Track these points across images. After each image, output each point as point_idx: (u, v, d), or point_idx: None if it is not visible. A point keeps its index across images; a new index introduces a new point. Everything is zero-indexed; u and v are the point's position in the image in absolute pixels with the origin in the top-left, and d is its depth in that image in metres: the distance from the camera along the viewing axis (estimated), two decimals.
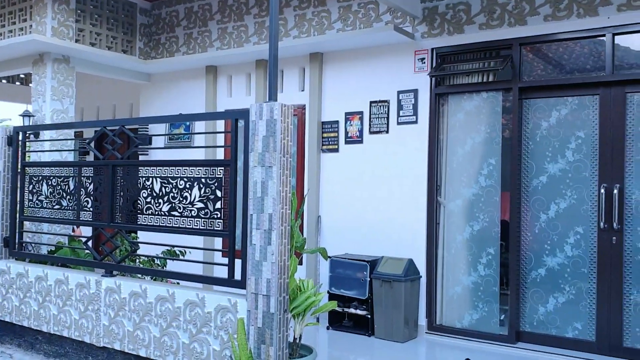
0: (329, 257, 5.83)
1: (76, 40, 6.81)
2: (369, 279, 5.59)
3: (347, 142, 6.26)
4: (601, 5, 4.89)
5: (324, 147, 6.39)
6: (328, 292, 5.84)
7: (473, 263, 5.54)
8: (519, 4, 5.24)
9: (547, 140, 5.25)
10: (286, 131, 4.02)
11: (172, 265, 5.66)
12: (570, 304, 5.10)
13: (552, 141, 5.22)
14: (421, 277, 5.65)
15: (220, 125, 6.94)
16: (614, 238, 4.84)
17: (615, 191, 4.83)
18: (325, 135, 6.39)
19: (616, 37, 4.90)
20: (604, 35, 4.93)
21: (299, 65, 6.57)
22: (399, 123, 5.92)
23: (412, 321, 5.54)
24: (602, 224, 4.89)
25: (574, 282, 5.08)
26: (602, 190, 4.90)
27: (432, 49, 5.75)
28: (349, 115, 6.24)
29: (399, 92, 5.90)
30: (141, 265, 5.76)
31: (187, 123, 7.41)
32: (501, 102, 5.45)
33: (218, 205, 4.29)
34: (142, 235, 5.99)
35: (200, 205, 4.38)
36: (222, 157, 6.49)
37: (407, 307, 5.45)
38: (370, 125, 6.10)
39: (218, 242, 6.63)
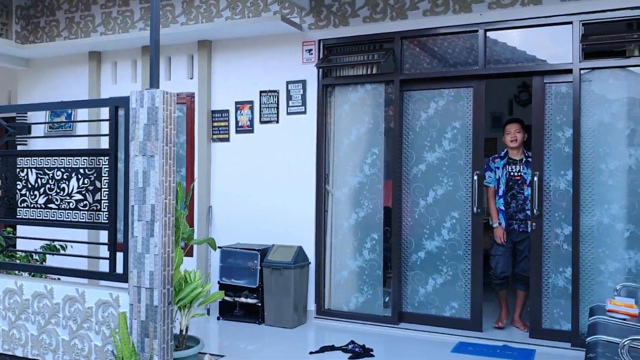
0: (219, 247, 5.82)
1: None
2: (259, 268, 5.65)
3: (237, 132, 6.25)
4: (474, 2, 5.19)
5: (215, 136, 6.34)
6: (219, 282, 5.83)
7: (359, 248, 5.74)
8: None
9: (425, 130, 5.52)
10: (169, 119, 3.97)
11: (55, 261, 5.43)
12: (447, 285, 5.43)
13: (431, 131, 5.50)
14: (310, 263, 5.78)
15: (105, 113, 6.67)
16: (534, 224, 5.08)
17: (536, 179, 5.05)
18: (215, 124, 6.34)
19: (488, 32, 5.22)
20: (477, 31, 5.24)
21: (188, 53, 6.46)
22: (288, 113, 5.98)
23: (302, 307, 5.67)
24: (475, 208, 5.23)
25: (451, 263, 5.40)
26: (475, 177, 5.24)
27: (319, 41, 5.85)
28: (239, 105, 6.23)
29: (288, 83, 5.97)
30: (18, 262, 5.47)
31: (69, 111, 7.08)
32: (384, 93, 5.66)
33: (97, 196, 4.17)
34: (22, 230, 5.69)
35: (79, 197, 4.24)
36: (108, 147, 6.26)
37: (297, 294, 5.56)
38: (260, 114, 6.12)
39: (104, 235, 6.40)
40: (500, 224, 5.39)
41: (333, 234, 5.85)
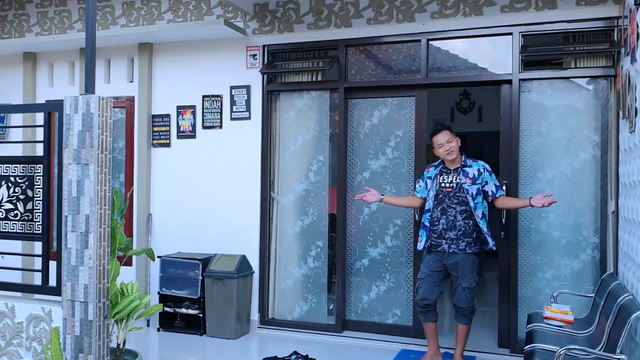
0: (159, 256, 5.67)
1: None
2: (201, 278, 5.52)
3: (179, 137, 6.10)
4: (417, 12, 5.24)
5: (155, 141, 6.18)
6: (159, 292, 5.67)
7: (303, 256, 5.70)
8: (345, 6, 5.45)
9: (369, 138, 5.54)
10: (104, 126, 3.82)
11: None
12: (390, 292, 5.45)
13: (374, 139, 5.52)
14: (254, 272, 5.70)
15: (40, 118, 6.40)
16: (502, 233, 5.00)
17: (504, 188, 4.93)
18: (156, 129, 6.18)
19: (430, 42, 5.28)
20: (419, 40, 5.29)
21: (128, 56, 6.27)
22: (232, 118, 5.89)
23: (245, 317, 5.57)
24: (417, 215, 5.27)
25: (394, 270, 5.43)
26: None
27: (264, 46, 5.78)
28: (181, 109, 6.09)
29: (231, 88, 5.87)
30: None
31: (2, 115, 6.75)
32: (329, 101, 5.65)
33: (29, 206, 3.97)
34: None
35: (9, 206, 4.02)
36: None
37: (240, 304, 5.47)
38: (203, 119, 6.00)
39: (39, 247, 6.12)
40: (382, 195, 4.78)
41: (278, 241, 5.78)
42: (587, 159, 4.87)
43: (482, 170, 4.55)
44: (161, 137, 6.16)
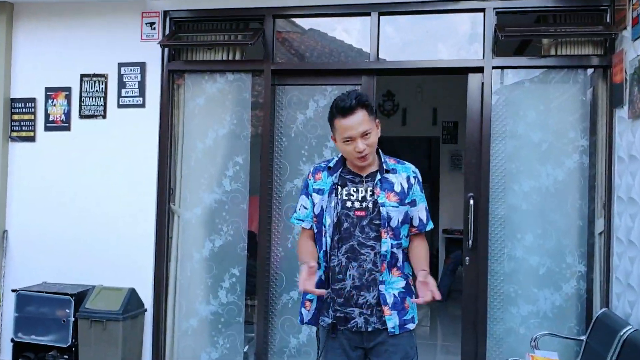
0: (15, 290, 4.19)
1: None
2: (73, 319, 4.08)
3: (47, 129, 4.65)
4: None
5: (15, 134, 4.68)
6: (13, 340, 4.16)
7: (213, 288, 4.40)
8: None
9: (303, 136, 4.34)
10: None
11: None
12: None
13: (309, 138, 4.33)
14: (146, 310, 4.33)
15: None
16: (468, 258, 3.99)
17: (472, 202, 3.98)
18: (16, 117, 4.69)
19: (382, 17, 4.18)
20: (369, 14, 4.18)
21: None
22: (120, 105, 4.51)
23: None
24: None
25: None
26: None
27: (165, 12, 4.45)
28: (51, 92, 4.64)
29: (120, 65, 4.50)
30: None
31: None
32: (251, 87, 4.41)
33: None
34: None
35: None
36: None
37: (126, 353, 4.08)
38: (81, 106, 4.58)
39: None
40: (309, 265, 2.39)
41: (179, 269, 4.44)
42: (573, 167, 3.96)
43: (412, 181, 2.52)
44: (23, 128, 4.69)
